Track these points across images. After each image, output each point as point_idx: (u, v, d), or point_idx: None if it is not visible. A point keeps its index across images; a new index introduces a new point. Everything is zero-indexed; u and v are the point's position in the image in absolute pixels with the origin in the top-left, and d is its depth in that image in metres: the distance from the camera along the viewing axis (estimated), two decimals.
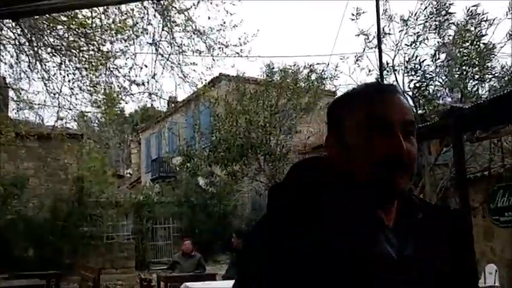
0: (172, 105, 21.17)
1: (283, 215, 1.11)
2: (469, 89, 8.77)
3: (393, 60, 9.69)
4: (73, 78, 8.54)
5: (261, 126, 13.36)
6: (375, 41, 9.70)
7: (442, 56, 9.56)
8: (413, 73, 9.33)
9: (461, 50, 9.08)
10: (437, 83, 9.49)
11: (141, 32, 8.21)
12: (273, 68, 14.48)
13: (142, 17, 8.11)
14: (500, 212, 8.57)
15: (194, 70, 8.91)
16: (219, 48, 8.69)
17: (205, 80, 11.14)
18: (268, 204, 1.17)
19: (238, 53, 9.09)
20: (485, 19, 8.79)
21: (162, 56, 8.42)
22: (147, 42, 8.37)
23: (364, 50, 10.09)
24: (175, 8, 8.17)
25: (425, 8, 9.26)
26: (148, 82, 8.66)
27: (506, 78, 8.44)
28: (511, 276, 8.44)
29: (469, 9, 8.93)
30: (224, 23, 8.57)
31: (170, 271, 9.66)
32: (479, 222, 8.87)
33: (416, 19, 9.44)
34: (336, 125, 1.19)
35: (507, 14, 8.71)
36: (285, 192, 1.17)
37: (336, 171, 1.16)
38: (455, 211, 2.01)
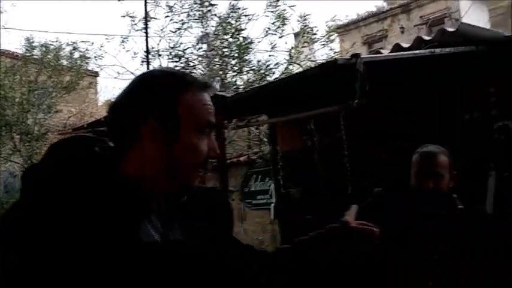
0: None
1: (36, 201, 0.99)
2: (228, 79, 9.24)
3: (158, 45, 9.65)
4: None
5: (17, 103, 12.11)
6: (141, 24, 9.53)
7: (205, 46, 9.87)
8: (177, 59, 9.43)
9: (222, 41, 9.48)
10: (199, 71, 9.76)
11: None
12: (33, 43, 13.34)
13: None
14: (252, 195, 9.28)
15: None
16: None
17: None
18: (21, 188, 1.06)
19: None
20: (245, 14, 9.35)
21: None
22: None
23: (130, 32, 9.83)
24: None
25: None
26: None
27: (261, 72, 9.11)
28: None
29: (230, 2, 9.39)
30: None
31: None
32: (234, 205, 9.44)
33: (182, 7, 9.56)
34: None
35: (264, 12, 9.42)
36: (41, 176, 1.04)
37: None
38: (215, 190, 1.95)
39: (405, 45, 4.65)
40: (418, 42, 4.54)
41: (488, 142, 4.52)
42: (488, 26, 7.21)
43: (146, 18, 9.28)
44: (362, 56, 4.08)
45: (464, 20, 15.64)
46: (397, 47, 4.71)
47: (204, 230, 1.20)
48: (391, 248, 2.22)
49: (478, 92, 4.61)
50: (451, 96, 4.82)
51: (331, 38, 10.27)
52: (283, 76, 9.08)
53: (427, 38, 4.54)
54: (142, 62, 9.64)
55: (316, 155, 5.47)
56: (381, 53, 4.81)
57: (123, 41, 9.94)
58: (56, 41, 13.53)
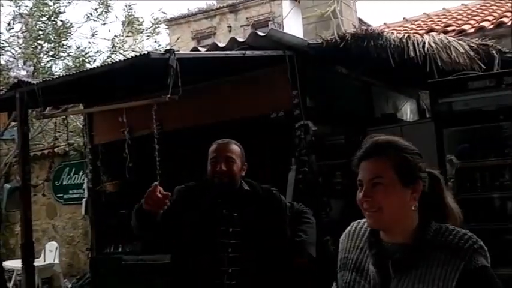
0: None
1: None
2: (42, 64, 8.58)
3: None
4: None
5: None
6: None
7: (17, 27, 9.06)
8: None
9: (37, 23, 8.77)
10: (9, 53, 8.93)
11: None
12: None
13: None
14: (65, 189, 8.76)
15: None
16: None
17: None
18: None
19: None
20: None
21: None
22: None
23: None
24: None
25: None
26: None
27: (81, 59, 8.62)
28: (72, 251, 8.75)
29: None
30: None
31: None
32: (41, 199, 8.82)
33: None
34: None
35: None
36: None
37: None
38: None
39: (221, 44, 4.79)
40: (232, 43, 4.70)
41: (290, 139, 4.88)
42: (301, 33, 7.78)
43: None
44: (176, 52, 4.10)
45: (285, 25, 16.74)
46: (214, 46, 4.82)
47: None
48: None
49: (282, 93, 4.95)
50: (260, 95, 5.09)
51: (157, 30, 10.16)
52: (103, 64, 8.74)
53: (241, 39, 4.72)
54: None
55: (128, 148, 5.36)
56: (198, 50, 4.87)
57: None
58: None
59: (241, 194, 2.67)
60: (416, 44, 4.62)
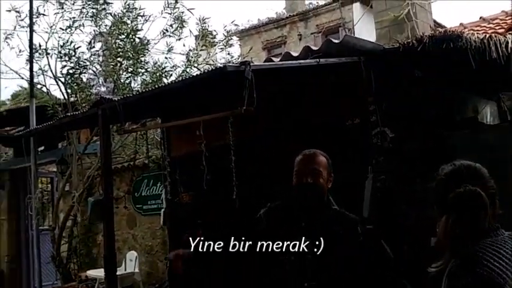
0: None
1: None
2: (122, 80, 8.93)
3: (46, 43, 9.11)
4: None
5: None
6: (28, 20, 8.96)
7: (98, 45, 9.48)
8: (67, 59, 8.94)
9: (117, 41, 9.15)
10: (91, 71, 9.37)
11: None
12: None
13: None
14: (143, 200, 9.05)
15: None
16: None
17: None
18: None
19: None
20: (141, 14, 9.10)
21: None
22: None
23: (15, 28, 9.17)
24: None
25: None
26: None
27: (158, 74, 8.89)
28: (151, 260, 9.00)
29: (126, 1, 9.08)
30: None
31: None
32: (122, 210, 9.16)
33: (73, 3, 9.11)
34: None
35: (162, 13, 9.23)
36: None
37: None
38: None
39: (295, 54, 4.77)
40: (306, 52, 4.67)
41: (366, 146, 4.76)
42: (374, 38, 7.61)
43: (31, 12, 8.75)
44: (251, 64, 4.12)
45: (356, 30, 16.48)
46: (287, 56, 4.81)
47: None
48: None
49: (357, 99, 4.85)
50: (334, 102, 5.02)
51: (230, 42, 10.29)
52: (179, 79, 8.95)
53: (314, 48, 4.68)
54: (27, 60, 9.04)
55: (205, 161, 5.44)
56: (272, 61, 4.88)
57: (7, 37, 9.23)
58: None
59: (328, 214, 2.59)
60: (498, 45, 4.39)
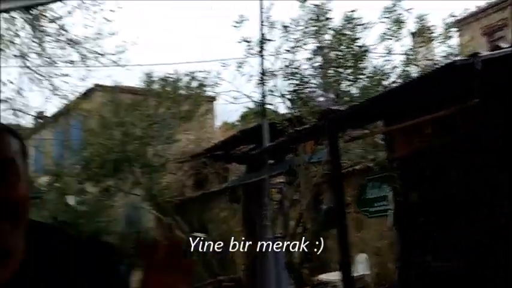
0: (40, 121, 19.32)
1: None
2: (342, 89, 9.11)
3: (273, 65, 9.73)
4: None
5: (138, 137, 12.79)
6: (257, 48, 9.63)
7: (318, 59, 9.78)
8: (291, 77, 9.44)
9: (337, 53, 9.37)
10: (312, 84, 9.72)
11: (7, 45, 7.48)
12: (152, 77, 13.97)
13: (9, 28, 7.39)
14: (369, 203, 9.10)
15: (66, 82, 8.37)
16: (95, 57, 8.21)
17: (78, 92, 10.45)
18: None
19: (115, 62, 8.64)
20: (360, 23, 9.21)
21: (30, 68, 7.71)
22: (14, 55, 7.66)
23: (246, 56, 9.94)
24: (46, 16, 7.51)
25: (306, 13, 9.39)
26: (13, 98, 7.91)
27: (377, 78, 8.89)
28: (380, 262, 8.99)
29: (346, 14, 9.28)
30: (101, 31, 8.10)
31: None
32: (349, 215, 9.28)
33: (297, 25, 9.56)
34: None
35: (380, 18, 9.26)
36: None
37: None
38: None
39: None
40: None
41: None
42: None
43: (262, 41, 9.34)
44: (480, 55, 3.90)
45: None
46: None
47: None
48: None
49: None
50: None
51: (449, 34, 9.79)
52: (399, 80, 8.83)
53: None
54: (258, 83, 9.71)
55: (433, 160, 5.27)
56: (500, 48, 4.52)
57: (239, 66, 10.07)
58: (175, 73, 13.88)
59: None
60: None
